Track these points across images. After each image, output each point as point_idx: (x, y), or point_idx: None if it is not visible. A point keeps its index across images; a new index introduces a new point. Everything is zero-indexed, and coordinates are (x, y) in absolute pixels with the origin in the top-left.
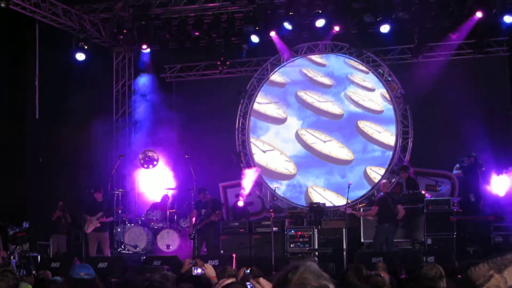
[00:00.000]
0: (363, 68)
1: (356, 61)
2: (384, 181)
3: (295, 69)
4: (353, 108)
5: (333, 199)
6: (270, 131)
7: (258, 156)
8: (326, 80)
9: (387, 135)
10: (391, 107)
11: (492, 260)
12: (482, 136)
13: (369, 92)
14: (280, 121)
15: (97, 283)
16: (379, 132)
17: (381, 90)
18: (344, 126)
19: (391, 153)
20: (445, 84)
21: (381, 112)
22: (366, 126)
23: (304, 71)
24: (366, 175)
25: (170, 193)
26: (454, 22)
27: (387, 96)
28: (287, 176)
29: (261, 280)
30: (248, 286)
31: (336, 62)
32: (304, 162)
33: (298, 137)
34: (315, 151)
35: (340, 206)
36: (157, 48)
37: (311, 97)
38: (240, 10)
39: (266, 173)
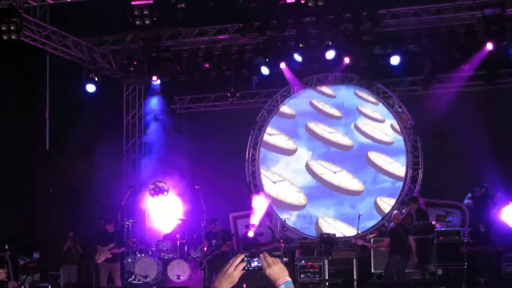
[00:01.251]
0: (373, 100)
1: (366, 92)
2: (394, 212)
3: (304, 100)
4: (363, 139)
5: (344, 230)
6: (280, 162)
7: (268, 186)
8: (336, 112)
9: (397, 166)
10: (401, 138)
11: None
12: (492, 167)
13: (379, 123)
14: (290, 152)
15: None
16: (389, 163)
17: (391, 121)
18: (354, 157)
19: (401, 184)
20: (456, 115)
21: (391, 143)
22: (376, 157)
23: (314, 102)
24: (376, 206)
25: (178, 223)
26: (464, 54)
27: (397, 127)
28: (297, 206)
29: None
30: (256, 262)
31: (346, 94)
32: (315, 193)
33: (308, 168)
34: (325, 181)
35: (350, 236)
36: (167, 80)
37: (321, 128)
38: (250, 42)
39: (276, 204)
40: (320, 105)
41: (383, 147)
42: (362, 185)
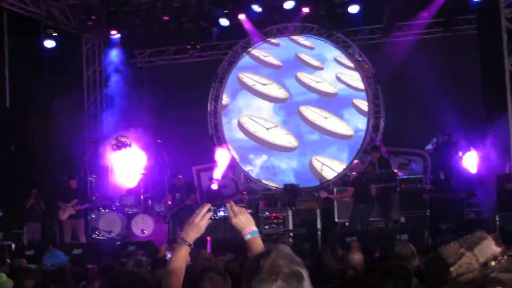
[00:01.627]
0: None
1: (326, 42)
2: (356, 161)
3: (290, 52)
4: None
5: (336, 167)
6: (272, 109)
7: (262, 133)
8: (317, 63)
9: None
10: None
11: (462, 238)
12: (454, 114)
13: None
14: (283, 100)
15: (65, 272)
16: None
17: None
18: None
19: (363, 133)
20: (416, 63)
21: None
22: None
23: (298, 54)
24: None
25: (141, 177)
26: (423, 1)
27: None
28: (290, 148)
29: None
30: (222, 211)
31: (323, 44)
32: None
33: (300, 113)
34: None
35: (313, 187)
36: (127, 33)
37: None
38: None
39: (273, 148)
40: (303, 56)
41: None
42: (352, 130)
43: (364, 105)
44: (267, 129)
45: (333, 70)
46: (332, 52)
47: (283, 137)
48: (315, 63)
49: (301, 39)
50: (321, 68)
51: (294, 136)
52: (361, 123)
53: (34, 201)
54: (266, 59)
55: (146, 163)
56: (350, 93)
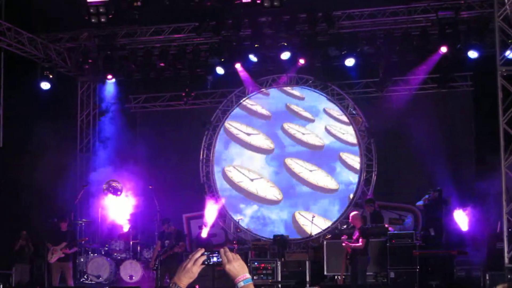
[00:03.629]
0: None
1: (320, 94)
2: (355, 212)
3: (280, 102)
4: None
5: (320, 224)
6: (257, 160)
7: (246, 184)
8: (309, 115)
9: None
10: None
11: None
12: (445, 170)
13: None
14: (268, 151)
15: None
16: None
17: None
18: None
19: (354, 186)
20: (410, 118)
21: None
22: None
23: (290, 105)
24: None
25: (128, 223)
26: (419, 57)
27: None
28: (274, 201)
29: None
30: (215, 257)
31: (313, 96)
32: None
33: (286, 166)
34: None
35: (303, 239)
36: (122, 78)
37: (294, 129)
38: (206, 42)
39: (256, 199)
40: (294, 107)
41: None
42: (337, 184)
43: (350, 158)
44: (251, 180)
45: (324, 122)
46: (323, 103)
47: (268, 190)
48: (306, 114)
49: (291, 89)
50: (312, 120)
51: (279, 189)
52: (352, 176)
53: (23, 243)
54: (254, 108)
55: (137, 208)
56: (339, 147)
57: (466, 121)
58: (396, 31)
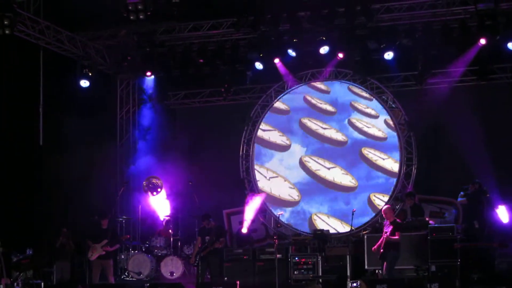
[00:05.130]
0: (367, 95)
1: (360, 87)
2: (386, 206)
3: (298, 96)
4: (356, 135)
5: (337, 226)
6: (274, 158)
7: (262, 183)
8: (329, 107)
9: (391, 162)
10: (394, 133)
11: None
12: (486, 163)
13: (373, 119)
14: (284, 148)
15: None
16: (383, 159)
17: (385, 117)
18: (348, 153)
19: (395, 180)
20: (449, 111)
21: (385, 139)
22: (370, 153)
23: (308, 97)
24: (370, 202)
25: (168, 219)
26: (458, 49)
27: (391, 123)
28: (291, 203)
29: None
30: None
31: (340, 89)
32: (308, 189)
33: (302, 164)
34: (319, 177)
35: (344, 233)
36: (161, 75)
37: (315, 124)
38: (244, 37)
39: (270, 200)
40: (314, 100)
41: (377, 143)
42: (355, 181)
43: (372, 153)
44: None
45: (347, 116)
46: (348, 97)
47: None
48: (329, 108)
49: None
50: (333, 113)
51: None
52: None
53: (64, 240)
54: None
55: (177, 205)
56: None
57: (506, 113)
58: (435, 23)
